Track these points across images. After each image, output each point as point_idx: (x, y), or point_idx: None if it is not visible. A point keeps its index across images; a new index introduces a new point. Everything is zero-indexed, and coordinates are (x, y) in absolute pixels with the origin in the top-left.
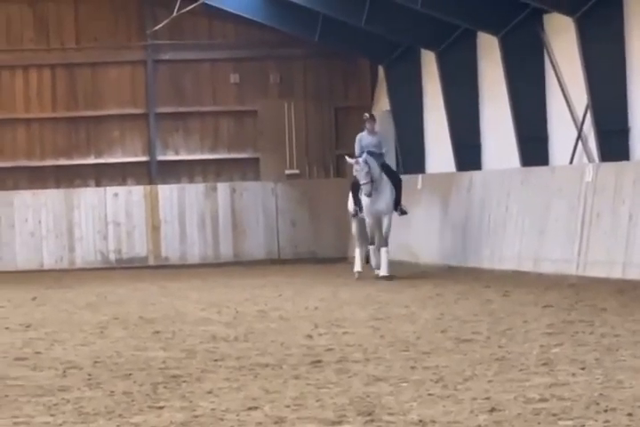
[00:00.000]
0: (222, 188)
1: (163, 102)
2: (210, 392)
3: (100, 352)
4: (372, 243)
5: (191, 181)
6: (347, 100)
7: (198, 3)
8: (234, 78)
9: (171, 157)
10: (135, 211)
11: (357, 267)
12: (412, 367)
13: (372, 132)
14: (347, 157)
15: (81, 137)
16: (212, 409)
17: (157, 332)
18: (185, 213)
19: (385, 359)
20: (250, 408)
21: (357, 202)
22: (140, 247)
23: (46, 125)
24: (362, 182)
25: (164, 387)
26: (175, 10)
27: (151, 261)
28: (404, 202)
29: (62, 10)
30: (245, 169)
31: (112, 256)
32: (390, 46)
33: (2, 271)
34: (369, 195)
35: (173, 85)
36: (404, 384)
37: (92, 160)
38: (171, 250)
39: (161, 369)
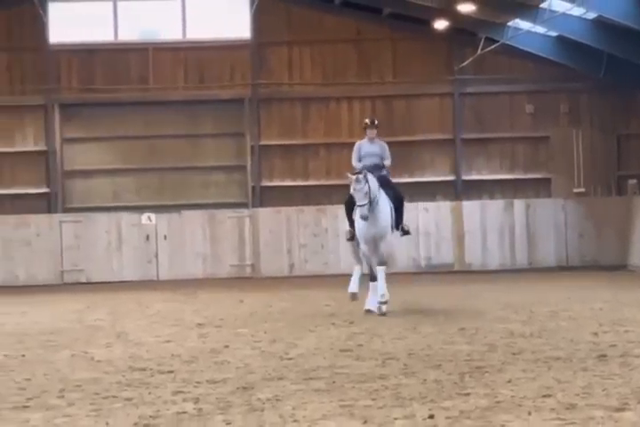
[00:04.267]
0: (518, 204)
1: (467, 129)
2: (509, 381)
3: (414, 345)
4: (374, 278)
5: (491, 197)
6: (628, 129)
7: (499, 43)
8: (529, 109)
9: (474, 176)
10: (443, 224)
11: (352, 287)
12: None
13: (372, 139)
14: (348, 174)
15: (397, 159)
16: (512, 396)
17: (462, 328)
18: (486, 225)
19: None
20: (544, 396)
21: (352, 223)
22: (446, 255)
23: None
24: (359, 204)
25: (470, 376)
26: (479, 49)
27: (456, 267)
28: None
29: (382, 49)
30: (539, 188)
31: (422, 263)
32: None
33: (329, 275)
34: (365, 218)
35: (476, 115)
36: None
37: (406, 179)
38: (473, 257)
39: (466, 361)
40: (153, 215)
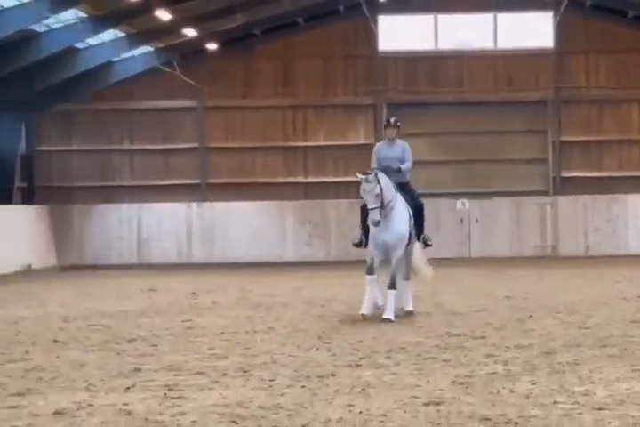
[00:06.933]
0: None
1: None
2: None
3: None
4: (391, 286)
5: None
6: None
7: None
8: None
9: None
10: None
11: (366, 307)
12: None
13: (392, 140)
14: (358, 174)
15: None
16: None
17: None
18: None
19: None
20: None
21: (366, 229)
22: None
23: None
24: (369, 207)
25: None
26: None
27: None
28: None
29: None
30: None
31: None
32: None
33: (620, 255)
34: (376, 224)
35: None
36: None
37: None
38: None
39: None
40: (466, 201)
